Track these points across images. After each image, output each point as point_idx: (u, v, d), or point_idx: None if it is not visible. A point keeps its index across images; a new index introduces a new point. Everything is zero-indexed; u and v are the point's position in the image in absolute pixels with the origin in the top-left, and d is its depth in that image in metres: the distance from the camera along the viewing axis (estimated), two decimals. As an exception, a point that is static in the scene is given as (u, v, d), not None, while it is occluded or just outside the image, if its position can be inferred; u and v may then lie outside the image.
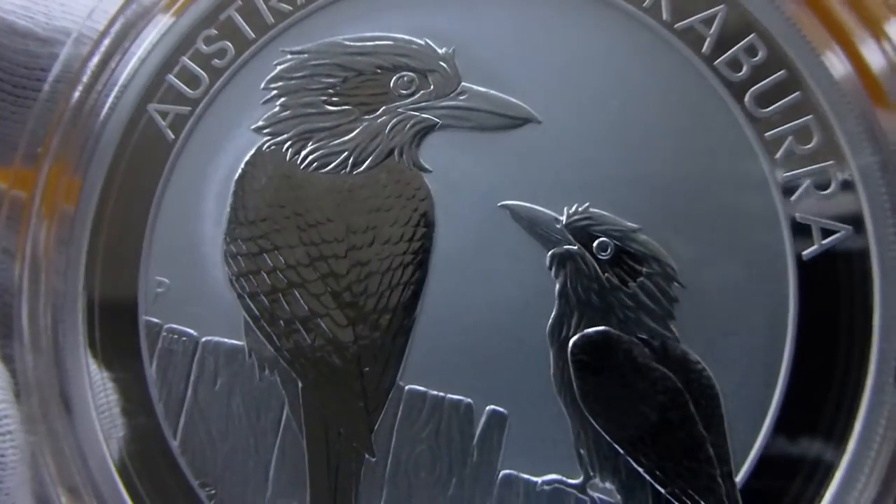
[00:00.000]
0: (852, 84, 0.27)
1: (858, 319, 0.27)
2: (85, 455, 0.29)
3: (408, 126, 0.29)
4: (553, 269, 0.28)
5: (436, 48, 0.29)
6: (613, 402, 0.27)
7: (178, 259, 0.29)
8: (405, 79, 0.29)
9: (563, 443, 0.27)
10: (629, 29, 0.29)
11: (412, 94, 0.29)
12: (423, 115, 0.29)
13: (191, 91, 0.30)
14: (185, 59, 0.30)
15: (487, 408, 0.27)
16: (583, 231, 0.28)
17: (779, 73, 0.28)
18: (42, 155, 0.30)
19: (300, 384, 0.28)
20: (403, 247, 0.28)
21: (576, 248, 0.28)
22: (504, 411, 0.27)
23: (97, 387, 0.29)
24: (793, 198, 0.27)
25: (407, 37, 0.29)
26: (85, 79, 0.30)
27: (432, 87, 0.29)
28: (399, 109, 0.29)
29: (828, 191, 0.27)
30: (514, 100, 0.29)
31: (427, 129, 0.29)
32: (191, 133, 0.30)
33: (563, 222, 0.28)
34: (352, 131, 0.29)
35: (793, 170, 0.27)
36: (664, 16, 0.29)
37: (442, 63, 0.29)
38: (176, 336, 0.29)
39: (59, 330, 0.29)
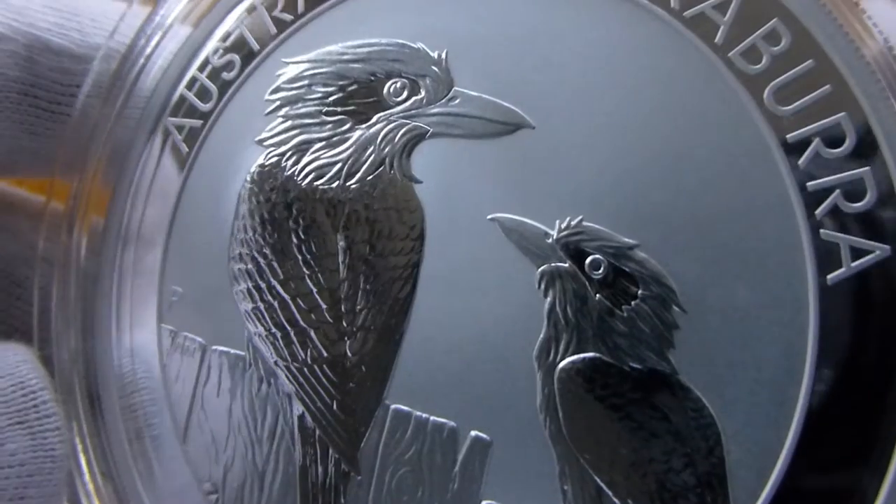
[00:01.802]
0: (894, 76, 0.17)
1: (893, 357, 0.17)
2: (109, 453, 0.24)
3: (398, 135, 0.22)
4: (542, 288, 0.20)
5: (429, 51, 0.22)
6: (600, 438, 0.19)
7: (190, 269, 0.24)
8: (397, 85, 0.22)
9: (548, 476, 0.20)
10: (632, 20, 0.20)
11: (404, 101, 0.22)
12: (414, 123, 0.22)
13: (203, 104, 0.24)
14: (198, 73, 0.24)
15: (471, 433, 0.21)
16: (574, 247, 0.20)
17: (805, 64, 0.19)
18: (77, 169, 0.25)
19: (294, 397, 0.22)
20: (394, 261, 0.22)
21: (566, 265, 0.20)
22: (487, 438, 0.20)
23: (125, 389, 0.25)
24: (818, 211, 0.19)
25: (401, 41, 0.22)
26: (113, 95, 0.25)
27: (424, 92, 0.22)
28: (392, 118, 0.22)
29: (861, 203, 0.18)
30: (505, 104, 0.21)
31: (418, 138, 0.22)
32: (202, 146, 0.24)
33: (554, 237, 0.20)
34: (346, 142, 0.22)
35: (819, 178, 0.18)
36: (672, 3, 0.19)
37: (434, 67, 0.22)
38: (188, 343, 0.24)
39: (90, 334, 0.24)
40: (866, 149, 0.20)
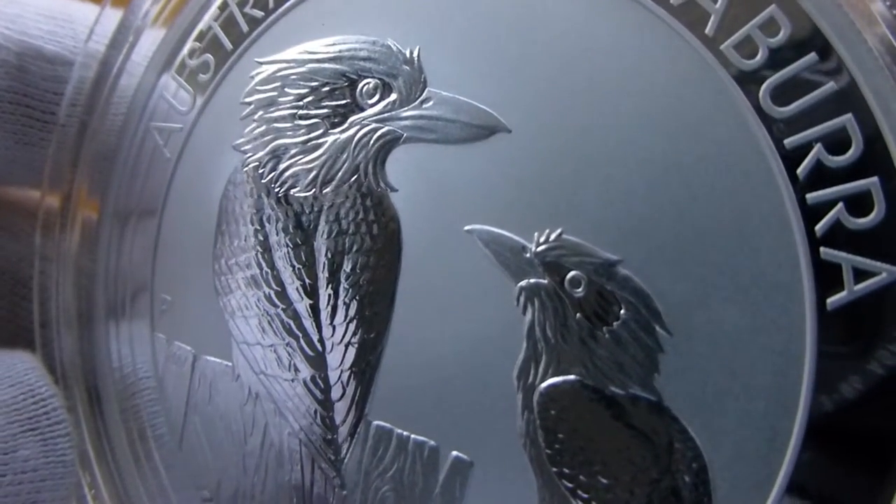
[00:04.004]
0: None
1: (899, 393, 0.15)
2: (111, 455, 0.24)
3: (372, 140, 0.20)
4: (520, 304, 0.18)
5: (401, 49, 0.19)
6: (581, 465, 0.17)
7: (177, 277, 0.23)
8: (370, 85, 0.20)
9: (529, 501, 0.17)
10: (613, 9, 0.17)
11: (377, 104, 0.20)
12: (387, 128, 0.20)
13: (181, 107, 0.23)
14: (176, 75, 0.22)
15: (452, 454, 0.19)
16: (554, 262, 0.18)
17: (807, 58, 0.16)
18: (66, 174, 0.24)
19: (279, 409, 0.21)
20: (371, 274, 0.20)
21: (545, 281, 0.18)
22: (468, 459, 0.18)
23: (127, 391, 0.25)
24: (818, 227, 0.16)
25: (372, 38, 0.20)
26: (95, 100, 0.23)
27: (396, 94, 0.19)
28: (364, 121, 0.20)
29: (866, 219, 0.15)
30: (480, 106, 0.19)
31: (391, 143, 0.20)
32: (183, 151, 0.23)
33: (533, 251, 0.18)
34: (320, 147, 0.21)
35: (820, 189, 0.15)
36: None
37: (406, 66, 0.20)
38: (179, 352, 0.23)
39: (87, 334, 0.24)
40: (874, 157, 0.17)
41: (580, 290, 0.20)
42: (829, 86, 0.17)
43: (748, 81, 0.18)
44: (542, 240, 0.20)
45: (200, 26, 0.25)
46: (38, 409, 0.25)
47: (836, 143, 0.17)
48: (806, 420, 0.17)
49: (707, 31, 0.18)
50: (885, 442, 0.17)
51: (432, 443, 0.21)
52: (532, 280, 0.20)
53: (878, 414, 0.17)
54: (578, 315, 0.20)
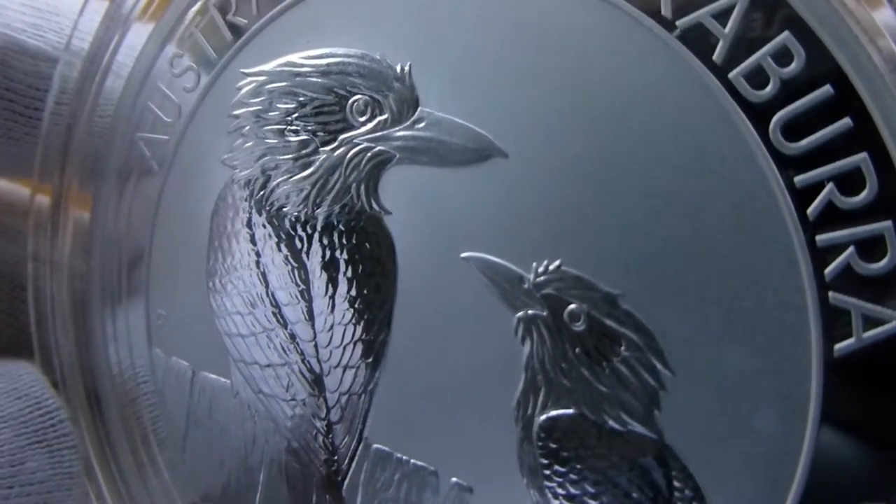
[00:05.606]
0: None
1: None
2: (113, 462, 0.23)
3: (364, 161, 0.19)
4: (519, 335, 0.17)
5: (391, 64, 0.18)
6: (580, 499, 0.17)
7: (171, 293, 0.23)
8: (360, 103, 0.19)
9: None
10: (617, 32, 0.16)
11: (368, 122, 0.19)
12: (379, 148, 0.19)
13: (167, 118, 0.22)
14: (159, 84, 0.21)
15: (452, 479, 0.18)
16: (552, 295, 0.17)
17: (820, 90, 0.15)
18: (56, 173, 0.23)
19: (278, 429, 0.21)
20: (365, 298, 0.19)
21: (544, 313, 0.17)
22: (468, 485, 0.18)
23: (127, 396, 0.25)
24: (828, 270, 0.15)
25: (362, 52, 0.19)
26: (81, 102, 0.23)
27: (388, 112, 0.18)
28: (355, 140, 0.19)
29: (879, 264, 0.15)
30: (476, 128, 0.18)
31: (383, 164, 0.19)
32: (172, 164, 0.22)
33: (531, 281, 0.17)
34: (311, 165, 0.20)
35: (831, 231, 0.15)
36: (663, 10, 0.15)
37: (397, 83, 0.18)
38: (178, 368, 0.22)
39: (83, 337, 0.23)
40: (889, 199, 0.16)
41: (580, 324, 0.19)
42: (844, 122, 0.16)
43: (758, 114, 0.17)
44: (540, 270, 0.19)
45: (182, 30, 0.24)
46: (44, 422, 0.25)
47: (850, 182, 0.16)
48: (809, 466, 0.17)
49: (715, 57, 0.17)
50: (889, 493, 0.16)
51: (432, 468, 0.21)
52: (530, 312, 0.20)
53: (884, 469, 0.16)
54: (578, 349, 0.19)
